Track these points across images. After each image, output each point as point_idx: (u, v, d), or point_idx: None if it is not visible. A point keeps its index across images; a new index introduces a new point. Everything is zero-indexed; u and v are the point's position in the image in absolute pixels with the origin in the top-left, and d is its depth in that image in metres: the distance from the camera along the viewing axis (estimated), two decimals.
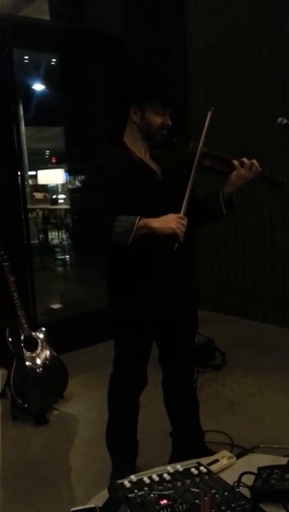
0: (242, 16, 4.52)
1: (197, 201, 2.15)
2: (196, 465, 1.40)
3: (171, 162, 2.10)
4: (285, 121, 1.96)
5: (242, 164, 2.05)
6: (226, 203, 2.12)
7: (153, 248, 2.00)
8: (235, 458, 1.54)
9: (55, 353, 3.28)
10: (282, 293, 4.56)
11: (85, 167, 7.42)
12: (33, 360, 3.20)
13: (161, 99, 2.06)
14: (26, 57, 6.70)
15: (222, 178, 2.11)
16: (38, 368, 3.18)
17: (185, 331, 2.29)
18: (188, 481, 1.31)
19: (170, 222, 1.89)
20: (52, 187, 9.84)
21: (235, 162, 2.06)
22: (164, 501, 1.22)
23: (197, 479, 1.33)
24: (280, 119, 1.97)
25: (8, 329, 3.20)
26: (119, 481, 1.32)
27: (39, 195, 10.02)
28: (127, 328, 2.16)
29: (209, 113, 2.01)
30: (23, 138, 6.92)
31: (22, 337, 3.20)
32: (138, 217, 1.89)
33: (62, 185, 9.34)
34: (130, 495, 1.25)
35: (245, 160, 2.06)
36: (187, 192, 1.95)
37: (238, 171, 2.05)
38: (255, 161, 2.06)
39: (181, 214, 1.93)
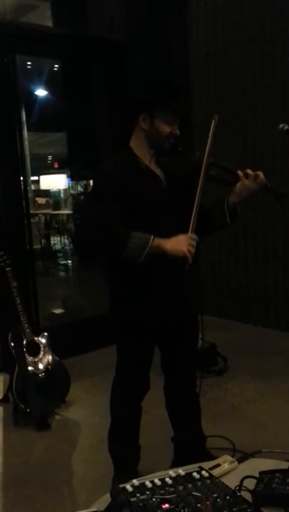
0: (243, 22, 4.54)
1: (201, 211, 2.17)
2: (198, 469, 1.41)
3: (177, 169, 2.11)
4: (286, 127, 1.97)
5: (246, 175, 2.06)
6: (230, 213, 2.13)
7: (162, 266, 2.01)
8: (236, 462, 1.54)
9: (57, 358, 3.28)
10: (284, 298, 4.56)
11: (88, 172, 7.44)
12: (35, 364, 3.20)
13: (173, 110, 2.07)
14: (29, 63, 6.74)
15: (226, 188, 2.12)
16: (41, 373, 3.19)
17: (187, 336, 2.29)
18: (190, 485, 1.32)
19: (182, 244, 1.91)
20: (54, 192, 9.86)
21: (240, 173, 2.07)
22: (166, 505, 1.23)
23: (199, 483, 1.33)
24: (281, 125, 1.98)
25: (10, 334, 3.21)
26: (121, 485, 1.33)
27: (41, 200, 10.05)
28: (130, 333, 2.16)
29: (213, 121, 2.01)
30: (26, 143, 6.93)
31: (24, 342, 3.21)
32: (152, 237, 1.90)
33: (65, 190, 9.36)
34: (132, 499, 1.25)
35: (249, 171, 2.06)
36: (194, 207, 1.95)
37: (242, 182, 2.06)
38: (260, 173, 2.06)
39: (190, 232, 1.94)
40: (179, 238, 1.93)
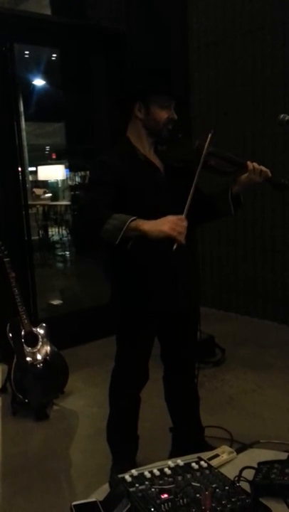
0: (244, 13, 4.50)
1: (203, 198, 2.15)
2: (197, 460, 1.41)
3: (175, 160, 2.08)
4: (287, 117, 1.95)
5: (254, 169, 2.02)
6: (234, 202, 2.11)
7: (151, 251, 1.94)
8: (235, 453, 1.54)
9: (55, 349, 3.29)
10: (282, 290, 4.56)
11: (86, 163, 7.40)
12: (33, 355, 3.20)
13: (166, 93, 2.05)
14: (27, 52, 6.67)
15: (226, 178, 2.10)
16: (39, 364, 3.19)
17: (187, 327, 2.29)
18: (188, 476, 1.32)
19: (163, 225, 1.77)
20: (52, 183, 9.82)
21: (250, 165, 2.01)
22: (165, 495, 1.23)
23: (198, 474, 1.34)
24: (282, 116, 1.96)
25: (8, 325, 3.21)
26: (120, 475, 1.33)
27: (39, 191, 10.00)
28: (130, 324, 2.17)
29: (210, 135, 1.96)
30: (24, 133, 6.89)
31: (23, 332, 3.21)
32: (132, 218, 1.79)
33: (63, 181, 9.31)
34: (131, 489, 1.26)
35: (256, 165, 2.02)
36: (190, 193, 1.87)
37: (249, 175, 2.02)
38: (264, 168, 2.03)
39: (183, 216, 1.82)
40: (165, 218, 1.80)
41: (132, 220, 1.79)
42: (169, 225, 1.77)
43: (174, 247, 1.77)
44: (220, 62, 4.78)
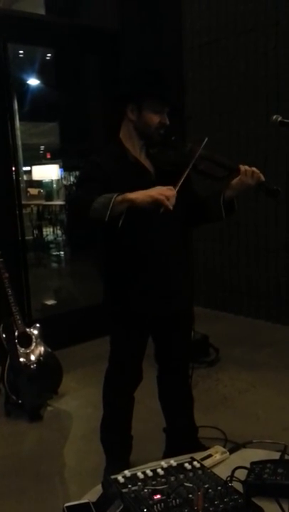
0: (238, 13, 4.51)
1: (197, 200, 2.15)
2: (190, 460, 1.41)
3: (167, 163, 2.06)
4: (279, 118, 1.95)
5: (245, 171, 2.01)
6: (227, 206, 2.10)
7: (151, 256, 1.94)
8: (228, 453, 1.55)
9: (49, 349, 3.28)
10: (276, 290, 4.58)
11: (80, 163, 7.39)
12: (27, 356, 3.20)
13: (159, 98, 2.04)
14: (21, 51, 6.66)
15: (216, 182, 2.10)
16: (32, 364, 3.18)
17: (181, 327, 2.29)
18: (181, 476, 1.32)
19: (151, 191, 1.80)
20: (46, 183, 9.79)
21: (242, 168, 2.01)
22: (158, 496, 1.23)
23: (190, 474, 1.34)
24: (274, 117, 1.96)
25: (2, 325, 3.20)
26: (113, 476, 1.33)
27: (34, 191, 9.98)
28: (123, 324, 2.16)
29: (204, 142, 1.97)
30: (18, 133, 6.89)
31: (16, 333, 3.20)
32: (118, 193, 1.82)
33: (57, 181, 9.30)
34: (124, 490, 1.26)
35: (247, 167, 2.02)
36: (186, 171, 1.88)
37: (241, 178, 2.02)
38: (256, 169, 2.03)
39: (175, 188, 1.82)
40: (150, 188, 1.83)
41: (118, 194, 1.81)
42: (157, 190, 1.80)
43: (161, 210, 1.79)
44: (214, 63, 4.79)
